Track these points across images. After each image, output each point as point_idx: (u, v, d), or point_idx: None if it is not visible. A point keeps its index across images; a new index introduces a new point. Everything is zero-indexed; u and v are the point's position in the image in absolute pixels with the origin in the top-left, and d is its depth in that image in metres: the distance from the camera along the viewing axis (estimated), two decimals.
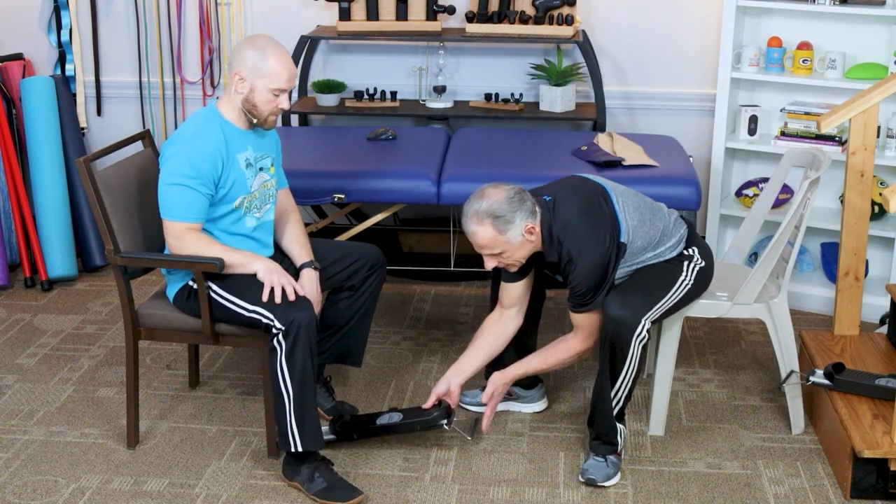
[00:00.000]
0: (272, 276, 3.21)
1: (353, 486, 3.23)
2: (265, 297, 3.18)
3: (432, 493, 3.25)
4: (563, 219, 3.22)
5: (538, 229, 3.21)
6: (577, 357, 3.37)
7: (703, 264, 3.41)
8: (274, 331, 3.18)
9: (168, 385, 3.93)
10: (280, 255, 3.48)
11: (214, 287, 3.27)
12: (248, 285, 3.23)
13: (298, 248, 3.47)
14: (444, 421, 3.36)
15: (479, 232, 3.17)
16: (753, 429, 3.62)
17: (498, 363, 3.63)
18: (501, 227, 3.15)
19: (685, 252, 3.40)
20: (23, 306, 4.66)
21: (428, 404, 3.41)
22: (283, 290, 3.20)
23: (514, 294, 3.46)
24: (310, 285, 3.36)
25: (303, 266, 3.42)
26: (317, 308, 3.34)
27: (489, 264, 3.26)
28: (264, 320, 3.19)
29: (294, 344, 3.16)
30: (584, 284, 3.21)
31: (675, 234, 3.40)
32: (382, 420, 3.42)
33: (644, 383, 3.84)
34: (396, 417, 3.41)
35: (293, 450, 3.21)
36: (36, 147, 4.85)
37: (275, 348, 3.18)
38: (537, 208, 3.22)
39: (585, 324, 3.31)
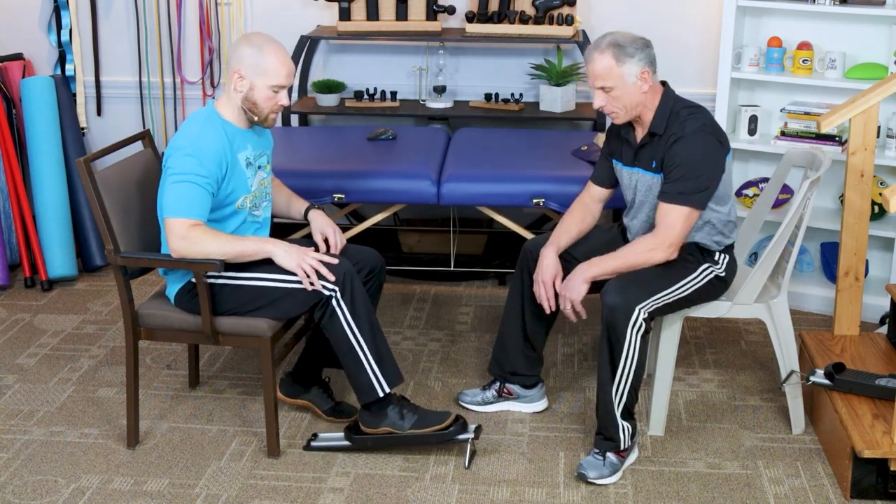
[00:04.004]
0: (298, 261, 3.23)
1: (439, 411, 3.39)
2: (306, 285, 3.23)
3: (432, 493, 3.25)
4: (687, 106, 3.31)
5: (651, 80, 3.26)
6: (648, 254, 3.28)
7: (722, 274, 3.42)
8: (326, 293, 3.22)
9: (168, 385, 3.93)
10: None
11: (241, 274, 3.28)
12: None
13: (296, 200, 3.62)
14: (463, 435, 3.36)
15: (599, 60, 3.24)
16: (753, 429, 3.62)
17: (506, 360, 3.64)
18: (621, 57, 3.21)
19: (715, 256, 3.41)
20: (23, 306, 4.66)
21: (546, 301, 3.45)
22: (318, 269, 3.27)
23: (599, 193, 3.57)
24: (324, 221, 3.47)
25: (307, 210, 3.55)
26: (340, 238, 3.46)
27: (598, 101, 3.30)
28: (315, 288, 3.24)
29: (352, 296, 3.24)
30: (685, 168, 3.23)
31: (725, 233, 3.42)
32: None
33: (644, 383, 3.84)
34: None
35: (381, 394, 3.29)
36: (36, 147, 4.85)
37: (334, 311, 3.24)
38: (662, 85, 3.33)
39: (666, 220, 3.26)
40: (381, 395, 3.30)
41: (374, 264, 3.56)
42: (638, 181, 3.39)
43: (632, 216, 3.48)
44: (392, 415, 3.34)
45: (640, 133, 3.38)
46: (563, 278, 3.47)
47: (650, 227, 3.40)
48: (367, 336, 3.28)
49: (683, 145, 3.24)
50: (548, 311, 3.48)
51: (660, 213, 3.29)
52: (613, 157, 3.50)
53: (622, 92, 3.25)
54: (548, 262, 3.46)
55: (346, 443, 3.44)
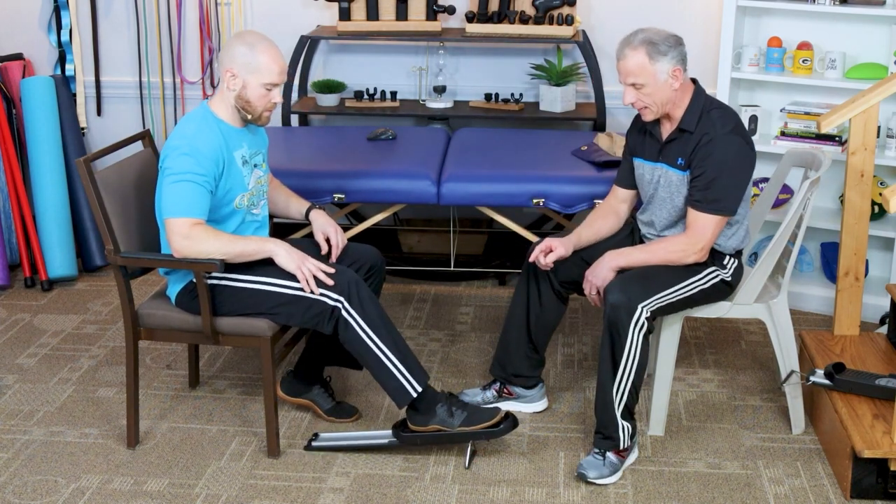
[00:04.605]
0: (298, 263, 3.23)
1: (488, 407, 3.37)
2: (306, 289, 3.22)
3: (432, 493, 3.25)
4: (718, 107, 3.33)
5: (682, 78, 3.27)
6: (679, 255, 3.31)
7: (728, 278, 3.42)
8: (331, 302, 3.21)
9: (168, 385, 3.93)
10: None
11: (243, 276, 3.28)
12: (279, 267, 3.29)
13: (295, 200, 3.61)
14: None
15: (631, 56, 3.25)
16: (753, 429, 3.62)
17: (509, 362, 3.64)
18: (653, 54, 3.22)
19: (724, 260, 3.41)
20: (23, 306, 4.66)
21: (532, 257, 3.45)
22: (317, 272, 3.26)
23: (625, 195, 3.58)
24: (326, 220, 3.47)
25: (308, 210, 3.54)
26: (341, 237, 3.46)
27: (628, 97, 3.30)
28: (316, 297, 3.23)
29: (361, 302, 3.22)
30: (717, 172, 3.23)
31: (735, 235, 3.42)
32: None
33: (644, 383, 3.83)
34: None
35: (414, 395, 3.27)
36: (36, 147, 4.85)
37: (346, 321, 3.22)
38: (693, 83, 3.35)
39: (698, 226, 3.29)
40: (415, 395, 3.28)
41: (374, 262, 3.56)
42: (661, 177, 3.39)
43: (650, 212, 3.48)
44: (441, 413, 3.31)
45: (667, 128, 3.38)
46: (563, 275, 3.48)
47: (672, 223, 3.41)
48: (386, 340, 3.26)
49: (716, 148, 3.24)
50: (529, 259, 3.50)
51: (691, 218, 3.31)
52: (634, 155, 3.50)
53: (653, 89, 3.26)
54: (561, 241, 3.46)
55: (348, 443, 3.44)
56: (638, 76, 3.25)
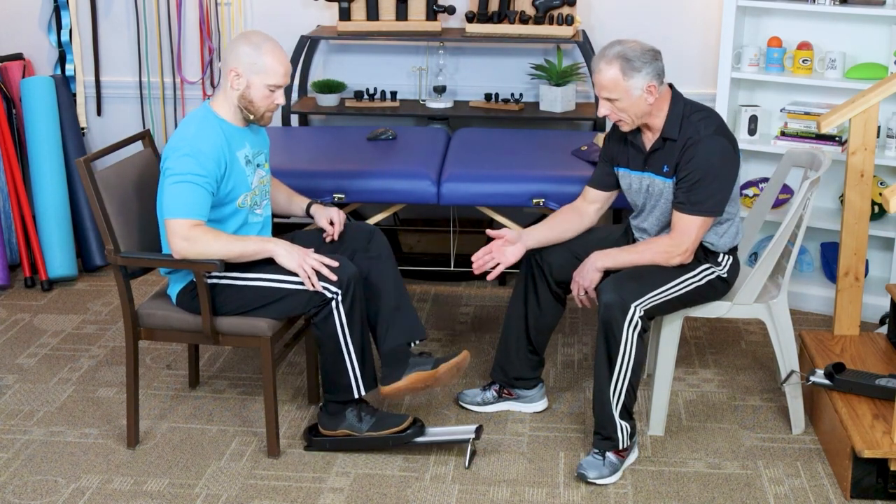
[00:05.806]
0: (299, 261, 3.23)
1: (398, 414, 3.40)
2: (308, 286, 3.23)
3: (432, 493, 3.25)
4: (698, 110, 3.31)
5: (657, 93, 3.24)
6: (664, 256, 3.31)
7: (724, 275, 3.42)
8: (329, 295, 3.23)
9: (168, 385, 3.93)
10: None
11: (243, 275, 3.29)
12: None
13: (297, 198, 3.64)
14: (421, 438, 3.39)
15: (605, 71, 3.22)
16: (753, 429, 3.62)
17: (510, 366, 3.64)
18: (627, 70, 3.19)
19: (718, 258, 3.41)
20: (23, 306, 4.66)
21: (480, 256, 3.53)
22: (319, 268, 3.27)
23: (597, 196, 3.55)
24: (326, 213, 3.51)
25: (309, 205, 3.58)
26: (342, 217, 3.51)
27: (602, 110, 3.30)
28: (317, 289, 3.24)
29: (352, 301, 3.25)
30: (700, 174, 3.23)
31: (727, 233, 3.41)
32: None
33: (644, 383, 3.84)
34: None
35: (356, 396, 3.32)
36: (36, 147, 4.85)
37: (331, 312, 3.25)
38: (669, 87, 3.31)
39: (681, 227, 3.29)
40: (356, 396, 3.33)
41: (367, 232, 3.55)
42: (649, 185, 3.38)
43: (642, 219, 3.48)
44: (350, 417, 3.36)
45: (649, 137, 3.37)
46: (560, 276, 3.48)
47: (662, 228, 3.41)
48: (356, 342, 3.29)
49: (698, 151, 3.23)
50: (475, 272, 3.55)
51: (675, 219, 3.30)
52: (616, 164, 3.48)
53: (627, 104, 3.25)
54: (508, 238, 3.49)
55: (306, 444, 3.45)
56: (611, 91, 3.23)
